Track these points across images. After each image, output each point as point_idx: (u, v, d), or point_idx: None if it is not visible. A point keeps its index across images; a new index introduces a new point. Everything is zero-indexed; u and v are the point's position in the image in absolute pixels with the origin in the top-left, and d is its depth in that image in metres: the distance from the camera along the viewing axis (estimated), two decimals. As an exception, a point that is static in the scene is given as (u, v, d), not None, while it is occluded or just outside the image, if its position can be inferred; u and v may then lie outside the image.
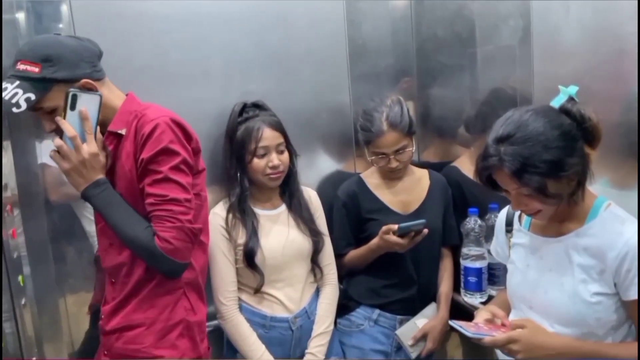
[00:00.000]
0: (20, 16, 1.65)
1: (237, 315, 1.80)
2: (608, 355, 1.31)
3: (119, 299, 1.48)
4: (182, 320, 1.51)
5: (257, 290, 1.81)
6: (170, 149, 1.39)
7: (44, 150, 1.70)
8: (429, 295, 2.03)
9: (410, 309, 1.99)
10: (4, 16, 1.60)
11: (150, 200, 1.39)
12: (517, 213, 1.52)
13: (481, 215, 1.92)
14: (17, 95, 1.33)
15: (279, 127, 1.79)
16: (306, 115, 2.03)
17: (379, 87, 2.12)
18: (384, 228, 1.84)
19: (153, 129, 1.37)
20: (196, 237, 1.45)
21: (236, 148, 1.79)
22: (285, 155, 1.81)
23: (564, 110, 1.30)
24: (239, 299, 1.82)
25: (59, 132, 1.39)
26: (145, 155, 1.38)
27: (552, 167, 1.24)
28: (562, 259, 1.37)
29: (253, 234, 1.79)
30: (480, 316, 1.45)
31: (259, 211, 1.85)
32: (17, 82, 1.35)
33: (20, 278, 1.62)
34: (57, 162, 1.39)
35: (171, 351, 1.49)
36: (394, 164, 1.90)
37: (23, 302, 1.62)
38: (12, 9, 1.62)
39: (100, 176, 1.41)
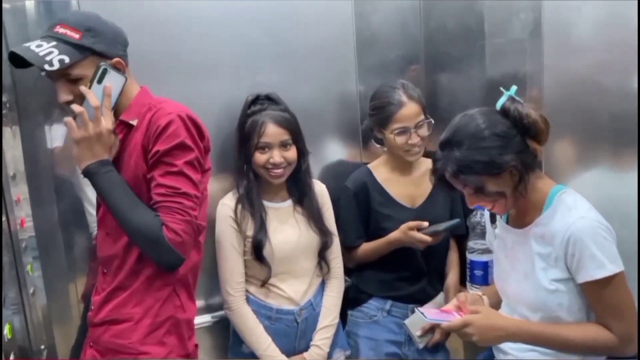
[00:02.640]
0: (30, 4, 1.64)
1: (244, 306, 1.81)
2: (559, 336, 1.38)
3: (108, 290, 1.47)
4: (171, 317, 1.49)
5: (264, 283, 1.81)
6: (186, 144, 1.39)
7: (55, 137, 1.70)
8: (438, 285, 2.04)
9: (422, 300, 1.99)
10: (14, 3, 1.60)
11: (161, 190, 1.37)
12: None
13: (486, 209, 1.93)
14: (52, 54, 1.33)
15: (284, 123, 1.77)
16: (314, 106, 2.03)
17: (386, 78, 2.09)
18: (411, 224, 1.85)
19: (169, 123, 1.37)
20: (200, 234, 1.46)
21: (243, 140, 1.79)
22: (291, 151, 1.79)
23: (503, 111, 1.36)
24: (246, 291, 1.83)
25: (71, 103, 1.38)
26: (161, 147, 1.37)
27: (486, 167, 1.33)
28: (526, 249, 1.45)
29: (262, 226, 1.79)
30: (451, 304, 1.57)
31: (267, 204, 1.85)
32: (54, 43, 1.35)
33: (28, 267, 1.62)
34: (71, 130, 1.36)
35: (158, 348, 1.47)
36: (415, 139, 1.88)
37: (32, 290, 1.63)
38: (22, -4, 1.63)
39: (108, 157, 1.40)
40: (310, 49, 2.00)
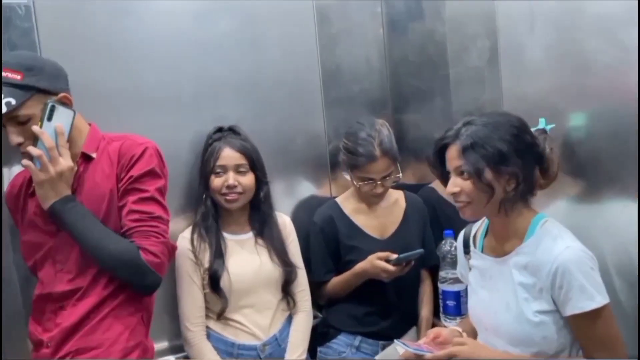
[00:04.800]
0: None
1: (204, 341, 1.76)
2: None
3: (71, 324, 1.44)
4: (141, 343, 1.50)
5: (220, 315, 1.78)
6: (156, 172, 1.48)
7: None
8: (410, 320, 2.00)
9: (393, 335, 1.94)
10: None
11: (135, 216, 1.43)
12: (472, 235, 1.55)
13: (456, 238, 1.90)
14: None
15: (241, 149, 1.80)
16: (281, 140, 2.03)
17: (352, 111, 2.13)
18: (380, 254, 1.83)
19: (144, 151, 1.47)
20: (173, 254, 1.54)
21: (202, 169, 1.82)
22: (247, 178, 1.80)
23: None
24: (207, 327, 1.78)
25: (23, 145, 1.39)
26: (134, 172, 1.45)
27: (496, 155, 1.32)
28: (507, 279, 1.40)
29: (218, 255, 1.77)
30: (426, 337, 1.51)
31: (228, 236, 1.83)
32: None
33: None
34: (33, 173, 1.37)
35: None
36: (380, 190, 1.89)
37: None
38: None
39: (69, 192, 1.42)
40: (276, 83, 2.01)
